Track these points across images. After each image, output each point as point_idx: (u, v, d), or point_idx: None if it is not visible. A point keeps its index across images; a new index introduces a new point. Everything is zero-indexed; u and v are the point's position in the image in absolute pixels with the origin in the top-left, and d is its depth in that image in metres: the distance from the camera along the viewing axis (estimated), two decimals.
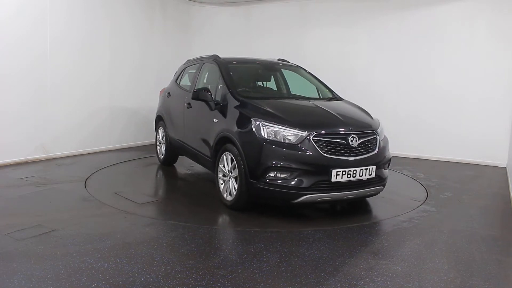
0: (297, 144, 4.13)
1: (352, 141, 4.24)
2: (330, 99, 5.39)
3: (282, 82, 6.02)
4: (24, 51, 6.39)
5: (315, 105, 4.90)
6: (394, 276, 3.10)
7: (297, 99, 5.31)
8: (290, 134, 4.17)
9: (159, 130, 6.90)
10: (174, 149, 6.44)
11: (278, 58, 6.43)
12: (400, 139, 8.36)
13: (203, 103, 5.23)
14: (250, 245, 3.60)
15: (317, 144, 4.13)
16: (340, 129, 4.31)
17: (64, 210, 4.42)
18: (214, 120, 4.95)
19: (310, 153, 4.11)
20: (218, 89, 5.19)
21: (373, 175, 4.33)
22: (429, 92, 8.06)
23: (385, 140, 4.76)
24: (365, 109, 5.18)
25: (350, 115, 4.82)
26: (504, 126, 7.45)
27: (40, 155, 6.73)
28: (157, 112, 6.97)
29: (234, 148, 4.43)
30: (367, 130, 4.49)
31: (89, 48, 7.45)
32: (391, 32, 8.32)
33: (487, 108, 7.62)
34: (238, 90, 5.02)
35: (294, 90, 5.91)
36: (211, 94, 5.09)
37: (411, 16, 8.15)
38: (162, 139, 6.75)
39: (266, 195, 4.26)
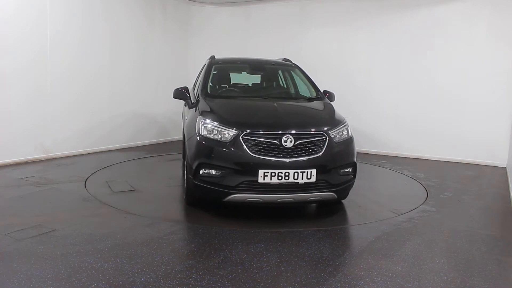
0: (227, 142, 4.10)
1: (286, 141, 4.06)
2: (309, 100, 5.30)
3: (268, 81, 6.03)
4: (23, 50, 6.39)
5: (273, 105, 4.82)
6: (394, 276, 3.10)
7: (266, 98, 5.22)
8: (224, 132, 4.16)
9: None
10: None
11: (283, 58, 6.40)
12: (400, 139, 8.39)
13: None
14: (250, 245, 3.60)
15: (246, 143, 4.04)
16: (274, 129, 4.13)
17: (64, 210, 4.42)
18: (186, 118, 5.08)
19: (238, 152, 4.03)
20: (197, 88, 5.32)
21: (313, 179, 4.06)
22: (429, 92, 8.07)
23: (345, 142, 4.42)
24: (334, 109, 4.92)
25: (300, 115, 4.71)
26: (504, 126, 7.45)
27: (40, 155, 6.73)
28: None
29: None
30: (309, 131, 4.24)
31: (89, 48, 7.46)
32: (391, 32, 8.33)
33: (487, 108, 7.62)
34: (209, 89, 5.15)
35: (279, 89, 5.85)
36: (188, 94, 5.19)
37: (411, 17, 8.15)
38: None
39: (201, 192, 4.29)
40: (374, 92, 8.55)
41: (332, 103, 5.38)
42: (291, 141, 4.07)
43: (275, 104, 4.87)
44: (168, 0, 9.29)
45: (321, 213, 4.78)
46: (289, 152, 4.06)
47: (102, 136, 7.85)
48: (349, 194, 4.74)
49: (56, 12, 6.78)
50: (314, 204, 4.87)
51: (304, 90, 5.66)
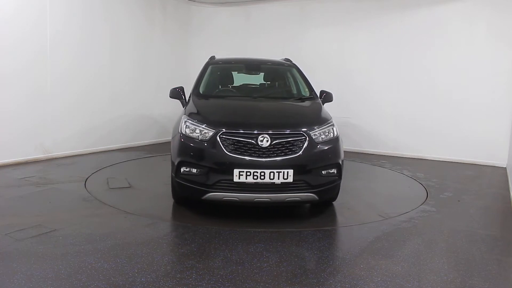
0: (205, 141, 4.14)
1: (262, 141, 4.03)
2: (300, 99, 5.24)
3: (262, 81, 6.01)
4: (23, 50, 6.39)
5: (258, 105, 4.87)
6: (394, 276, 3.10)
7: (256, 98, 5.22)
8: (204, 131, 4.20)
9: None
10: None
11: (284, 58, 6.37)
12: (400, 139, 8.39)
13: None
14: (250, 245, 3.60)
15: (223, 142, 4.07)
16: (250, 129, 4.11)
17: (64, 210, 4.42)
18: (178, 117, 5.11)
19: (215, 151, 4.07)
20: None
21: (290, 180, 4.01)
22: (429, 91, 8.07)
23: (329, 142, 4.31)
24: (321, 109, 4.83)
25: (281, 115, 4.67)
26: (504, 126, 7.46)
27: (40, 155, 6.73)
28: None
29: None
30: (287, 131, 4.18)
31: (89, 48, 7.46)
32: (391, 32, 8.33)
33: (487, 108, 7.62)
34: (201, 89, 5.22)
35: (272, 89, 5.82)
36: (182, 94, 5.24)
37: (411, 17, 8.15)
38: None
39: (182, 190, 4.37)
40: (374, 92, 8.55)
41: (330, 103, 5.36)
42: (267, 141, 4.05)
43: (260, 104, 4.90)
44: (168, 0, 9.30)
45: (322, 213, 4.78)
46: (265, 151, 4.04)
47: (102, 136, 7.85)
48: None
49: (56, 12, 6.78)
50: (314, 205, 4.85)
51: (299, 90, 5.60)
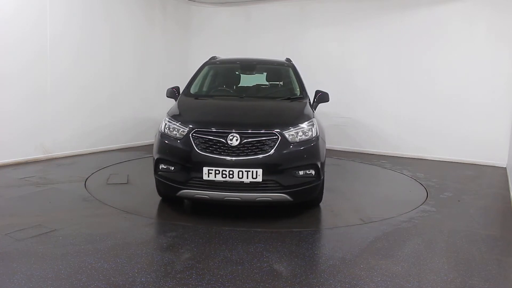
0: (179, 140, 4.23)
1: (231, 140, 4.05)
2: (288, 99, 5.17)
3: (256, 81, 6.01)
4: (23, 50, 6.39)
5: (238, 104, 4.93)
6: (394, 276, 3.10)
7: (242, 98, 5.29)
8: (180, 130, 4.28)
9: None
10: None
11: (285, 58, 6.35)
12: (400, 139, 8.40)
13: None
14: (250, 245, 3.60)
15: (195, 140, 4.14)
16: (221, 128, 4.15)
17: (64, 210, 4.42)
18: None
19: (187, 149, 4.14)
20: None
21: (259, 179, 3.98)
22: (429, 91, 8.07)
23: (306, 143, 4.23)
24: (303, 109, 4.71)
25: (256, 115, 4.62)
26: (504, 126, 7.45)
27: (40, 155, 6.74)
28: None
29: None
30: (258, 130, 4.14)
31: (89, 48, 7.46)
32: (391, 32, 8.33)
33: (487, 108, 7.62)
34: (192, 89, 5.34)
35: (262, 89, 5.81)
36: (177, 93, 5.30)
37: (411, 17, 8.15)
38: None
39: (161, 186, 4.50)
40: (374, 92, 8.55)
41: (328, 103, 5.33)
42: (236, 140, 4.05)
43: (241, 104, 4.96)
44: (168, 0, 9.30)
45: (322, 214, 4.78)
46: (235, 150, 4.04)
47: (102, 136, 7.85)
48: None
49: (56, 12, 6.78)
50: (314, 206, 4.83)
51: (290, 89, 5.53)
